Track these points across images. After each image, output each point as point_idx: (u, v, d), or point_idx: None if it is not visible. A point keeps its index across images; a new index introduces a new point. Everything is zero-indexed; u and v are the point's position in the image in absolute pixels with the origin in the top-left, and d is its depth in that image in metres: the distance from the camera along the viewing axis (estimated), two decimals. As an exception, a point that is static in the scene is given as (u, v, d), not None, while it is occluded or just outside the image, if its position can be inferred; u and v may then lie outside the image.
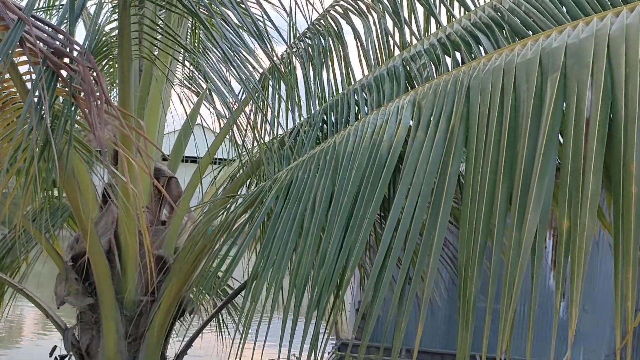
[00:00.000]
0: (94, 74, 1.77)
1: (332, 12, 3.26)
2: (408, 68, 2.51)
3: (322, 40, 3.11)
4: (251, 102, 3.07)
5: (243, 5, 2.79)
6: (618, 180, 1.23)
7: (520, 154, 1.45)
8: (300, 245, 1.94)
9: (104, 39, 2.68)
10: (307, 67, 2.96)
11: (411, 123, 1.85)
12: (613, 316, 6.06)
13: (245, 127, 2.86)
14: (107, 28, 2.89)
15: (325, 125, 2.73)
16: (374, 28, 3.13)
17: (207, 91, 3.53)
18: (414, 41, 2.92)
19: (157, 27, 2.66)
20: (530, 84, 1.55)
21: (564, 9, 2.26)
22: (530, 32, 2.26)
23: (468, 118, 1.68)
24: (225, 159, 3.46)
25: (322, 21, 3.23)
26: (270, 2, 3.23)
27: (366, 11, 3.20)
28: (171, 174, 3.26)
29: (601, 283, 6.74)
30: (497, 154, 1.53)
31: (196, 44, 3.46)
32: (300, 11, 3.20)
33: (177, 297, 2.91)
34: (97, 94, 1.77)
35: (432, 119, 1.78)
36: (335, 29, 3.14)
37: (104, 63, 2.87)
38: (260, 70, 3.01)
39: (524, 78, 1.58)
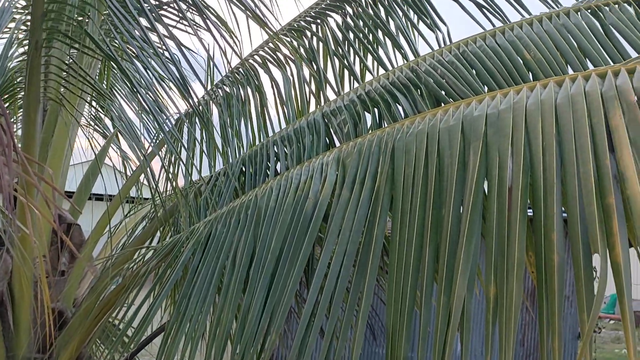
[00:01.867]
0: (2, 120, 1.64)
1: (250, 60, 3.27)
2: (328, 122, 2.55)
3: (241, 89, 3.10)
4: (165, 146, 2.98)
5: (161, 49, 2.73)
6: (540, 248, 1.29)
7: (445, 218, 1.50)
8: (220, 303, 1.88)
9: (7, 77, 2.51)
10: (224, 115, 2.92)
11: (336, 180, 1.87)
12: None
13: (159, 173, 2.76)
14: (9, 65, 2.71)
15: (243, 177, 2.69)
16: (291, 79, 3.16)
17: (117, 133, 3.40)
18: (330, 92, 2.98)
19: (66, 68, 2.53)
20: (453, 150, 1.61)
21: (474, 71, 2.40)
22: (444, 92, 2.37)
23: (393, 179, 1.72)
24: (135, 198, 3.31)
25: (240, 69, 3.22)
26: (188, 48, 3.19)
27: (284, 62, 3.24)
28: (72, 220, 3.06)
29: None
30: (422, 216, 1.56)
31: (105, 85, 3.33)
32: (224, 48, 3.17)
33: (76, 355, 2.71)
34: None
35: (357, 177, 1.80)
36: (254, 77, 3.15)
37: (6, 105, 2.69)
38: (176, 116, 2.95)
39: (447, 144, 1.64)
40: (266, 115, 3.06)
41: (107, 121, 3.76)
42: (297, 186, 1.94)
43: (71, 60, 2.45)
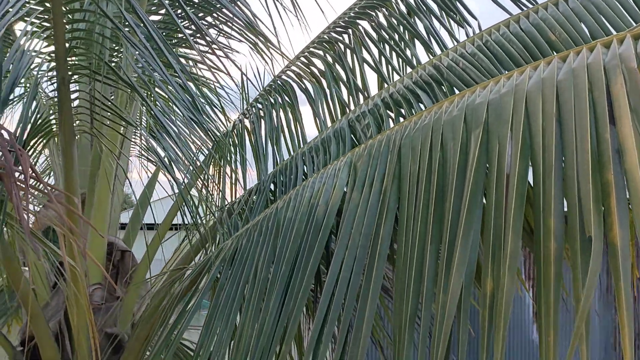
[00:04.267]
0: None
1: (283, 76, 3.29)
2: (353, 128, 2.50)
3: (274, 105, 3.12)
4: (203, 172, 3.04)
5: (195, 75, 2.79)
6: (538, 236, 1.19)
7: (447, 214, 1.41)
8: (242, 317, 1.86)
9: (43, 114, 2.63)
10: (257, 133, 2.94)
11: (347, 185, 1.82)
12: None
13: (198, 198, 2.81)
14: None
15: (276, 190, 2.69)
16: (327, 91, 3.14)
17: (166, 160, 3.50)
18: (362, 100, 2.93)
19: (105, 103, 2.64)
20: (456, 141, 1.53)
21: (497, 60, 2.29)
22: (466, 86, 2.27)
23: (400, 178, 1.66)
24: (182, 225, 3.38)
25: (273, 86, 3.25)
26: (221, 70, 3.26)
27: (318, 75, 3.23)
28: (125, 247, 3.17)
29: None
30: (426, 214, 1.49)
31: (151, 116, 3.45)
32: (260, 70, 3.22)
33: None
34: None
35: (366, 180, 1.75)
36: (288, 93, 3.15)
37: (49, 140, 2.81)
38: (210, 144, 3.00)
39: (450, 135, 1.57)
40: (297, 129, 3.05)
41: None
42: (311, 194, 1.91)
43: (100, 93, 2.54)
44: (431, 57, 3.04)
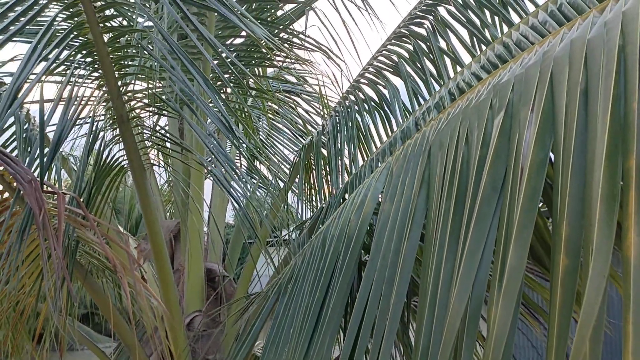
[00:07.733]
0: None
1: (362, 80, 3.10)
2: (419, 126, 2.25)
3: (349, 114, 2.94)
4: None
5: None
6: (553, 248, 0.90)
7: (463, 225, 1.15)
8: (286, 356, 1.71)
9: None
10: (332, 143, 2.78)
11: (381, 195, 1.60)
12: None
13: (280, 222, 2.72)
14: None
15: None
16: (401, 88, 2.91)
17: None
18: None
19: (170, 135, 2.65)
20: (479, 131, 1.26)
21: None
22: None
23: (429, 182, 1.41)
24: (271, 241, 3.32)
25: (350, 91, 3.07)
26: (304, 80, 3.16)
27: (395, 72, 2.99)
28: (224, 272, 3.18)
29: None
30: (446, 225, 1.23)
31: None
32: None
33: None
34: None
35: (398, 186, 1.52)
36: (363, 99, 2.96)
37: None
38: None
39: (475, 125, 1.30)
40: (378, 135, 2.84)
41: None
42: (351, 207, 1.71)
43: (162, 128, 2.56)
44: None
